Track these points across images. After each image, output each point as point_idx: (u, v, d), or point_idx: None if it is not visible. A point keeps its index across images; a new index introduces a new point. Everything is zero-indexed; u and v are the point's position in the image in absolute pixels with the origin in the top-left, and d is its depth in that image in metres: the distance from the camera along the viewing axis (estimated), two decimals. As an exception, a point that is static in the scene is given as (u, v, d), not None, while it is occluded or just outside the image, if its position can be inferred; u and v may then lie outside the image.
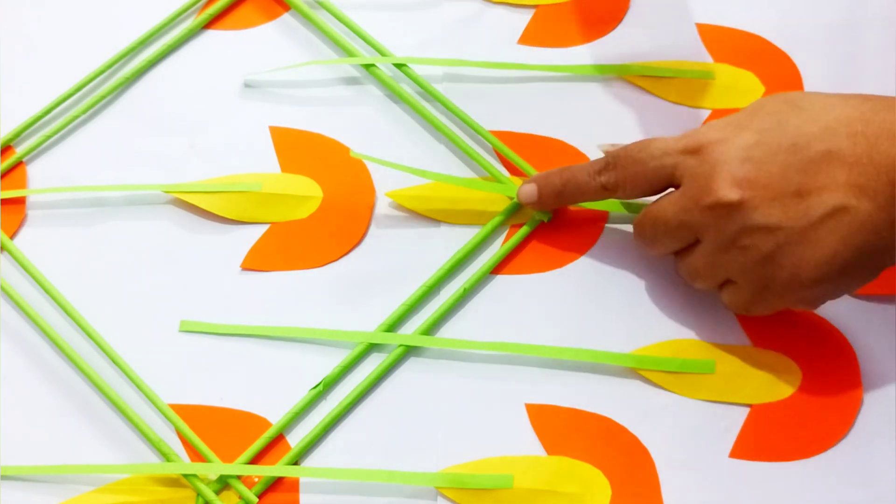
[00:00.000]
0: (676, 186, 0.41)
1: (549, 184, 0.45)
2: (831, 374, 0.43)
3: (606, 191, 0.43)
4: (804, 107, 0.38)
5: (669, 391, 0.43)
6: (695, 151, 0.39)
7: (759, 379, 0.43)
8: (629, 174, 0.42)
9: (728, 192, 0.38)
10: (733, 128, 0.39)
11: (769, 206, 0.37)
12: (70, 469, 0.42)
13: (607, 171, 0.43)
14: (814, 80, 0.50)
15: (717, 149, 0.39)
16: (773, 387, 0.43)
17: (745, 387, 0.43)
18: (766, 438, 0.42)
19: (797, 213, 0.37)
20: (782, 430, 0.42)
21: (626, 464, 0.42)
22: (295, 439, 0.43)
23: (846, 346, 0.44)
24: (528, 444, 0.42)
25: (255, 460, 0.42)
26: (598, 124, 0.50)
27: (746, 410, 0.42)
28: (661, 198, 0.41)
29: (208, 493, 0.41)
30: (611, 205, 0.47)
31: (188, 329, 0.45)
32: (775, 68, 0.51)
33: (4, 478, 0.42)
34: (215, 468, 0.41)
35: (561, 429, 0.42)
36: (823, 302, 0.40)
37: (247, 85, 0.51)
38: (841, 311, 0.44)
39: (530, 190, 0.45)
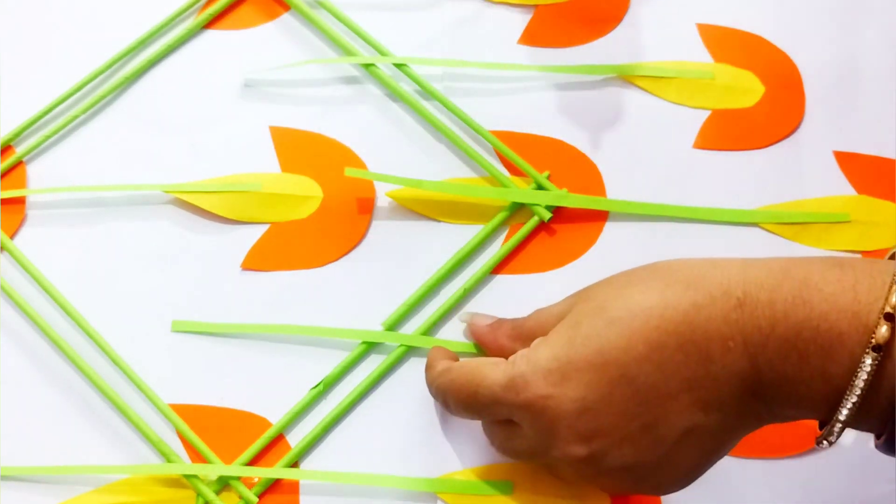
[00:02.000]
0: None
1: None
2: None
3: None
4: (617, 316, 0.34)
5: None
6: (525, 408, 0.35)
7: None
8: (461, 403, 0.39)
9: (575, 448, 0.35)
10: (558, 377, 0.35)
11: (620, 448, 0.35)
12: (70, 469, 0.42)
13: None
14: (814, 79, 0.50)
15: (549, 405, 0.35)
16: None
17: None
18: (762, 433, 0.42)
19: (649, 446, 0.34)
20: (780, 424, 0.42)
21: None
22: (295, 439, 0.43)
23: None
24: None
25: (255, 460, 0.42)
26: (598, 124, 0.50)
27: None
28: (506, 431, 0.38)
29: (208, 493, 0.41)
30: (611, 204, 0.47)
31: (180, 329, 0.45)
32: (775, 68, 0.51)
33: (4, 478, 0.42)
34: (215, 469, 0.41)
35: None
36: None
37: (247, 85, 0.51)
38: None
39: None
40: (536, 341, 0.37)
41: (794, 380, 0.32)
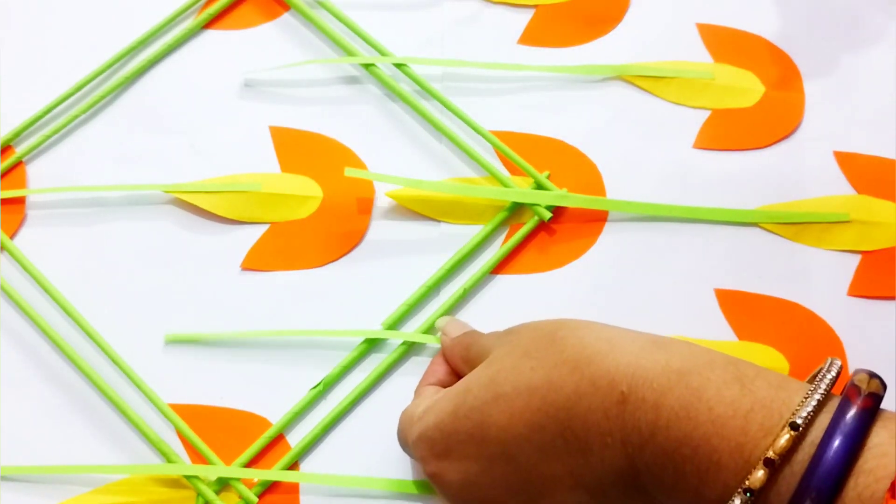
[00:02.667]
0: None
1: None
2: (818, 363, 0.43)
3: None
4: (503, 392, 0.34)
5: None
6: (425, 475, 0.37)
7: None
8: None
9: None
10: (442, 448, 0.35)
11: None
12: (70, 469, 0.42)
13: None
14: (814, 79, 0.50)
15: (437, 479, 0.36)
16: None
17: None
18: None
19: None
20: None
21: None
22: (295, 439, 0.43)
23: (833, 337, 0.44)
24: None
25: (255, 460, 0.42)
26: (598, 124, 0.50)
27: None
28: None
29: (209, 493, 0.41)
30: (611, 204, 0.47)
31: (174, 340, 0.45)
32: (775, 68, 0.51)
33: (4, 478, 0.42)
34: (215, 470, 0.41)
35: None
36: None
37: (247, 85, 0.51)
38: (831, 310, 0.45)
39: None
40: (440, 395, 0.37)
41: (671, 487, 0.31)
